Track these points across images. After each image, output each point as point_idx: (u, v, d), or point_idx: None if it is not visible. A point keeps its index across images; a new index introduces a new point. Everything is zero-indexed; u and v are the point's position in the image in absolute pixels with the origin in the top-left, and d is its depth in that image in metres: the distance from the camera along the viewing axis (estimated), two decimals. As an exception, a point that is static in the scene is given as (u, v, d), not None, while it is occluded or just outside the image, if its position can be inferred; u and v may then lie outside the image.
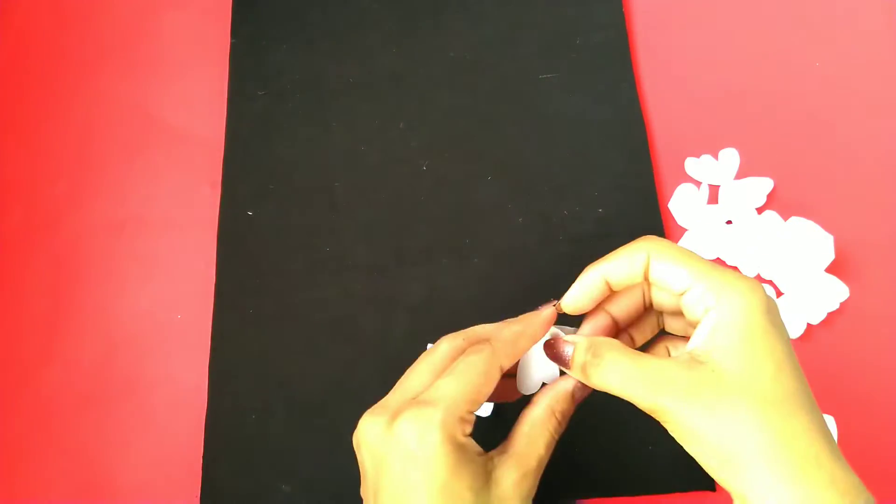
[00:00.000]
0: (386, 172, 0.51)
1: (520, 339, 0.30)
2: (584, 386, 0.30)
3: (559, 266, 0.47)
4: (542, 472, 0.29)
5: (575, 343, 0.29)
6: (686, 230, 0.48)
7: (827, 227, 0.44)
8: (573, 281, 0.35)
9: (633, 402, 0.27)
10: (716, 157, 0.49)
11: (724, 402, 0.24)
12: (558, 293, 0.40)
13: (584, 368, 0.28)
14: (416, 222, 0.49)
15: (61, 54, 0.58)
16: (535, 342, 0.31)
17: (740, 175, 0.49)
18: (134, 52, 0.57)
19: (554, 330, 0.32)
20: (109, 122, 0.55)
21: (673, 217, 0.48)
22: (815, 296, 0.45)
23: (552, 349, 0.30)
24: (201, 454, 0.45)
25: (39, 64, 0.58)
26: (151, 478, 0.46)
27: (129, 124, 0.55)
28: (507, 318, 0.32)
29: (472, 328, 0.32)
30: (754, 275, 0.46)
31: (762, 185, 0.48)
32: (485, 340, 0.30)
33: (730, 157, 0.49)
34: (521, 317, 0.32)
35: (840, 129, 0.50)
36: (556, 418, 0.30)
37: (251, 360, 0.47)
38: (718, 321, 0.26)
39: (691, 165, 0.49)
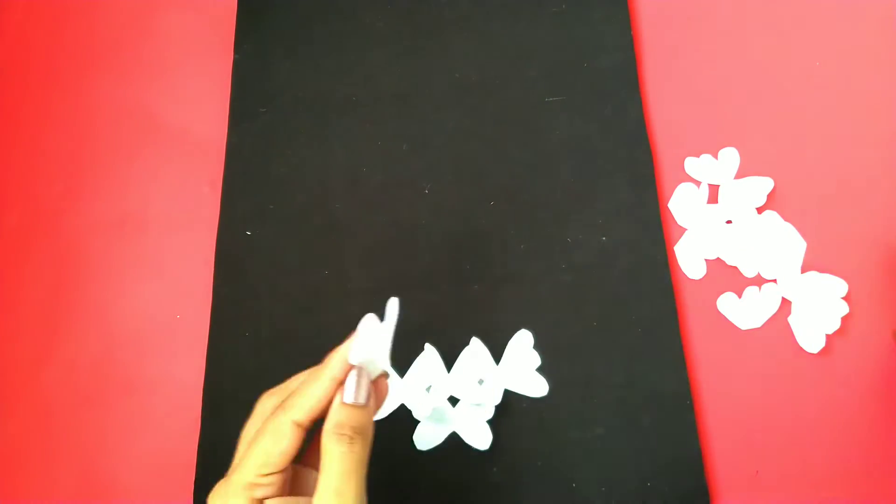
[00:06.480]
0: (387, 195, 0.50)
1: (308, 389, 0.30)
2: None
3: (561, 295, 0.46)
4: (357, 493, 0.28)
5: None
6: (686, 230, 0.48)
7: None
8: (574, 310, 0.45)
9: None
10: (716, 156, 0.49)
11: None
12: (550, 323, 0.47)
13: None
14: (417, 246, 0.48)
15: (61, 54, 0.58)
16: (327, 391, 0.30)
17: (740, 175, 0.49)
18: (134, 52, 0.57)
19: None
20: (109, 122, 0.55)
21: (673, 217, 0.48)
22: (814, 295, 0.45)
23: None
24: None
25: (39, 64, 0.58)
26: (150, 477, 0.46)
27: (129, 124, 0.55)
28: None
29: (289, 381, 0.32)
30: (754, 274, 0.46)
31: (762, 185, 0.48)
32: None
33: (730, 157, 0.49)
34: (315, 367, 0.31)
35: (840, 128, 0.50)
36: (347, 434, 0.29)
37: (246, 385, 0.45)
38: None
39: (691, 165, 0.49)
